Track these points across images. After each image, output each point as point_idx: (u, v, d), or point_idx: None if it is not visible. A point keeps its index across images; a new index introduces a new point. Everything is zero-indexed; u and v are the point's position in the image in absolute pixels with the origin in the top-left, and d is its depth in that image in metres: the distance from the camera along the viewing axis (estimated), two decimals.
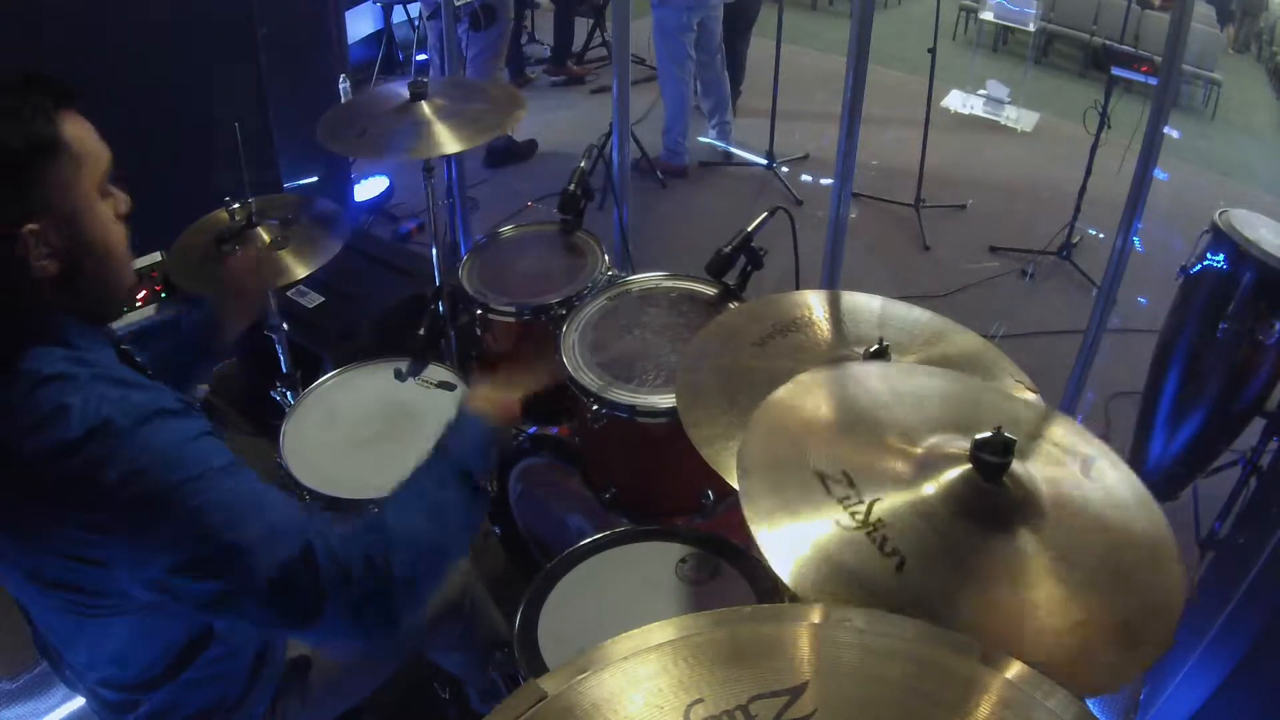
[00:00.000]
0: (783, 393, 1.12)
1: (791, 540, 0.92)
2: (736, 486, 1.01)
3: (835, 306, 1.52)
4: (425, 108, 2.12)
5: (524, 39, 5.87)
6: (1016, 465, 0.97)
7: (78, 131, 1.04)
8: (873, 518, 0.94)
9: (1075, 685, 0.81)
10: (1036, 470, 1.01)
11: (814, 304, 1.51)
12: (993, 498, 0.96)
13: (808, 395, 1.13)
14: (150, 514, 0.98)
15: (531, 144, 4.75)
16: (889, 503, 0.96)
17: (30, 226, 1.00)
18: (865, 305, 1.52)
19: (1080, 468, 1.04)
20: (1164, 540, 0.99)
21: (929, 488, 0.97)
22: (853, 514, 0.95)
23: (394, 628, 1.08)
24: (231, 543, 1.00)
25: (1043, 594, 0.90)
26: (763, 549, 0.92)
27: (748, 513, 0.96)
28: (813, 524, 0.94)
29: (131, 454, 0.98)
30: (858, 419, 1.09)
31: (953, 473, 0.97)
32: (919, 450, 1.02)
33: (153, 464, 0.98)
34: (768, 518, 0.95)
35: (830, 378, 1.17)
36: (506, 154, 4.60)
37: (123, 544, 1.00)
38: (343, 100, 3.53)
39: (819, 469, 1.00)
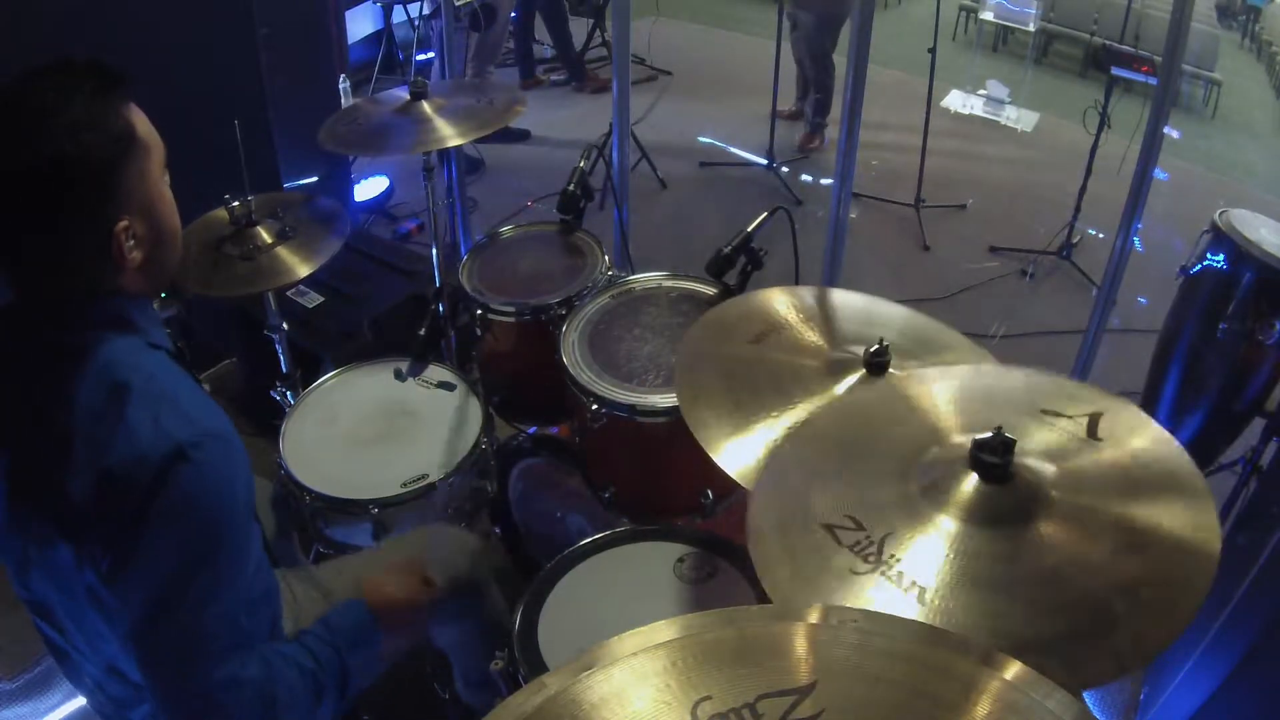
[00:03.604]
0: (781, 448, 1.13)
1: (812, 601, 0.91)
2: (737, 484, 1.01)
3: (824, 303, 1.52)
4: (425, 106, 2.12)
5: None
6: (1018, 455, 0.97)
7: (142, 122, 1.08)
8: (885, 554, 0.93)
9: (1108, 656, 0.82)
10: (1041, 451, 1.00)
11: (806, 300, 1.51)
12: (1000, 498, 0.95)
13: (804, 441, 1.13)
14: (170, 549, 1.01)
15: (525, 131, 4.78)
16: (899, 535, 0.95)
17: (122, 223, 1.04)
18: (852, 303, 1.52)
19: (1087, 432, 1.03)
20: (1188, 478, 0.97)
21: (935, 507, 0.96)
22: (865, 557, 0.93)
23: None
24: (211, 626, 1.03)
25: (1066, 568, 0.90)
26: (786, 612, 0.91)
27: (767, 587, 0.94)
28: (829, 581, 0.92)
29: (182, 477, 1.00)
30: (857, 452, 1.08)
31: (955, 484, 0.97)
32: (920, 465, 1.02)
33: (200, 505, 1.02)
34: (785, 588, 0.93)
35: (825, 413, 1.18)
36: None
37: (123, 563, 1.02)
38: (343, 101, 3.53)
39: (826, 521, 0.98)
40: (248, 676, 1.06)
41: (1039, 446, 1.02)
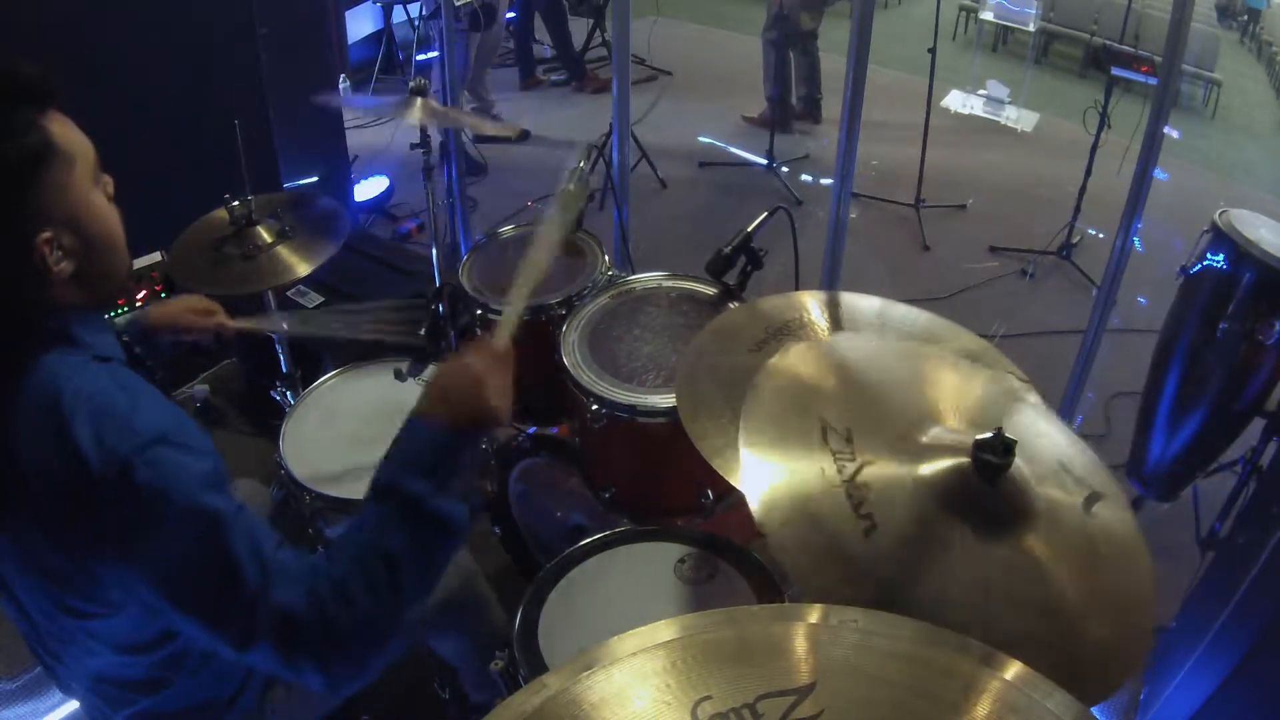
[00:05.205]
0: (814, 345, 1.15)
1: (773, 473, 0.94)
2: (736, 483, 1.01)
3: (834, 308, 1.52)
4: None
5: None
6: (1016, 472, 0.96)
7: (64, 131, 1.04)
8: (858, 478, 0.95)
9: None
10: (1036, 486, 1.00)
11: (812, 306, 1.51)
12: (982, 498, 0.95)
13: (835, 353, 1.15)
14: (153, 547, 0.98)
15: (525, 131, 4.82)
16: (879, 470, 0.97)
17: (44, 235, 1.02)
18: (864, 306, 1.52)
19: (1084, 503, 1.03)
20: (1142, 587, 0.98)
21: (923, 469, 0.97)
22: (840, 468, 0.96)
23: (363, 671, 1.04)
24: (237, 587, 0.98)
25: (1000, 605, 0.90)
26: (743, 473, 0.93)
27: (743, 435, 0.97)
28: (798, 463, 0.95)
29: (138, 490, 0.97)
30: (877, 386, 1.10)
31: (950, 466, 0.97)
32: (925, 434, 1.02)
33: (155, 502, 0.98)
34: (759, 445, 0.97)
35: (860, 343, 1.20)
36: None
37: (123, 573, 1.01)
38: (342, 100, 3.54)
39: (823, 416, 1.01)
40: (298, 601, 0.99)
41: (1038, 480, 1.01)
